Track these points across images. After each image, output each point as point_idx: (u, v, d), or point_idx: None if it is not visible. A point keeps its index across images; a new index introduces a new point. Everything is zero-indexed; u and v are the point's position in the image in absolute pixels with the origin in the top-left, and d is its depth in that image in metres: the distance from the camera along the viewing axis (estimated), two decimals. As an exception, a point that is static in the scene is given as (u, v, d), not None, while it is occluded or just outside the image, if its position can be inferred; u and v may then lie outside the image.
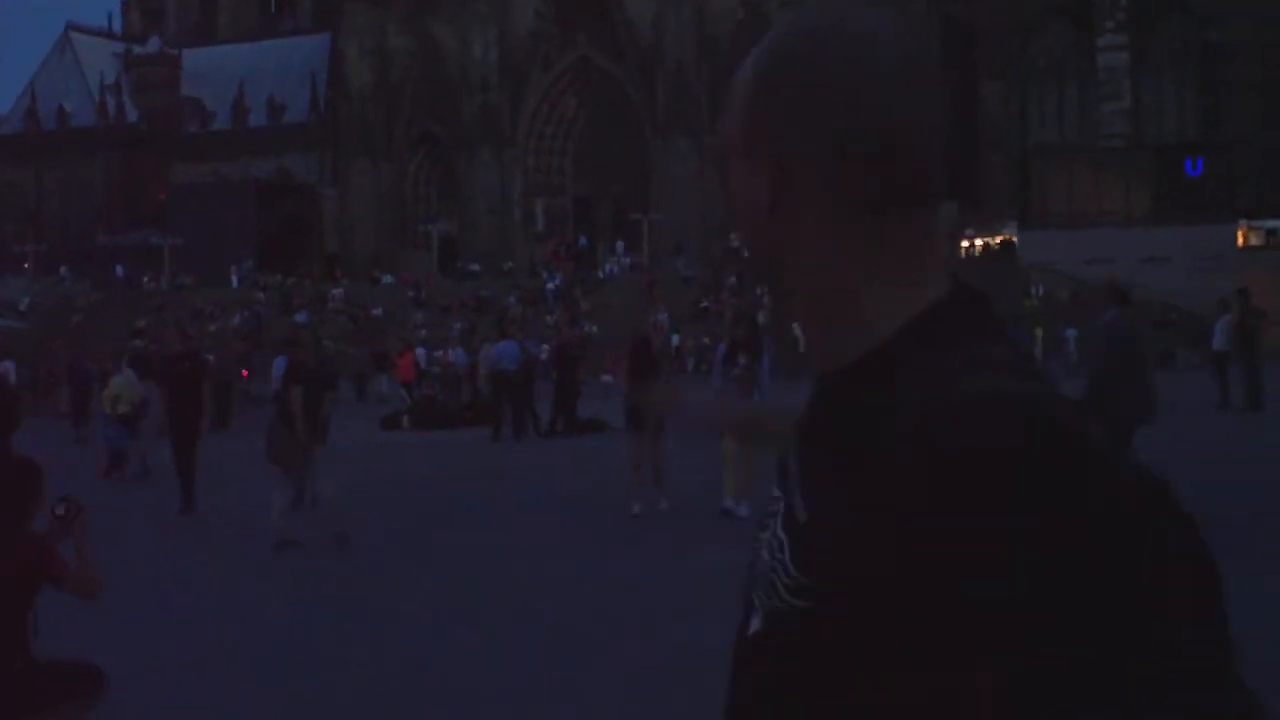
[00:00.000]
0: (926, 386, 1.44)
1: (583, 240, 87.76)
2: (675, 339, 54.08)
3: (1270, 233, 76.56)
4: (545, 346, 48.09)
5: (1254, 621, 9.17)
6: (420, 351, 47.92)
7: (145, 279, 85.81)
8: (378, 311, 74.31)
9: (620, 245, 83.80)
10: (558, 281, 77.30)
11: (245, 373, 44.43)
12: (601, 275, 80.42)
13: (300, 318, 73.87)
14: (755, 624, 1.56)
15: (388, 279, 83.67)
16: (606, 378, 46.70)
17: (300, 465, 15.65)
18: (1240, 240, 72.34)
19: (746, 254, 1.61)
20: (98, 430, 26.75)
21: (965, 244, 78.79)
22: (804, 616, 1.48)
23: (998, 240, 79.36)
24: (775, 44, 1.58)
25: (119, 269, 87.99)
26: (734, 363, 16.36)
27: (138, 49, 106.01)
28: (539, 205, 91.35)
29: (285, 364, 17.48)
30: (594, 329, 67.78)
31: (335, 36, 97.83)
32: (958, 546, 1.35)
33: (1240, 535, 13.30)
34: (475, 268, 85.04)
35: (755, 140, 1.57)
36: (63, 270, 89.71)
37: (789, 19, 1.60)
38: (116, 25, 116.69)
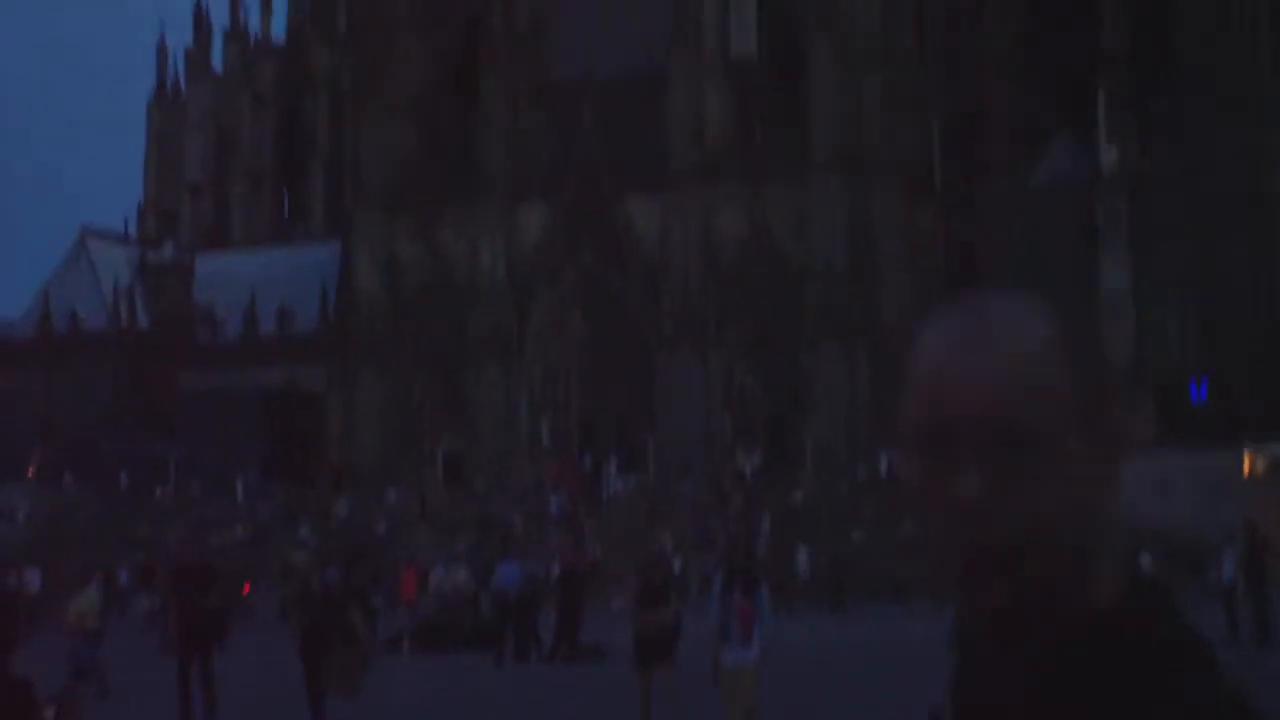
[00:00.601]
0: (1189, 683, 1.52)
1: (586, 458, 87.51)
2: (678, 565, 53.32)
3: (1277, 459, 76.33)
4: (556, 566, 47.59)
5: None
6: (440, 571, 47.12)
7: (157, 490, 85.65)
8: (381, 528, 74.16)
9: (613, 466, 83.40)
10: (562, 501, 77.00)
11: (247, 588, 44.15)
12: (605, 495, 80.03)
13: (302, 531, 74.02)
14: None
15: (392, 495, 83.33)
16: (617, 602, 46.15)
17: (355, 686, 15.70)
18: (1247, 467, 71.98)
19: (1035, 567, 1.59)
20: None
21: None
22: None
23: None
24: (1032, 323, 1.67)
25: (123, 477, 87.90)
26: (732, 593, 16.07)
27: (152, 254, 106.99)
28: (544, 422, 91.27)
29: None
30: (598, 550, 67.33)
31: (346, 244, 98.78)
32: None
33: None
34: (480, 485, 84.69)
35: (1082, 417, 1.62)
36: (66, 478, 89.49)
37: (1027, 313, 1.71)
38: (133, 229, 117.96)
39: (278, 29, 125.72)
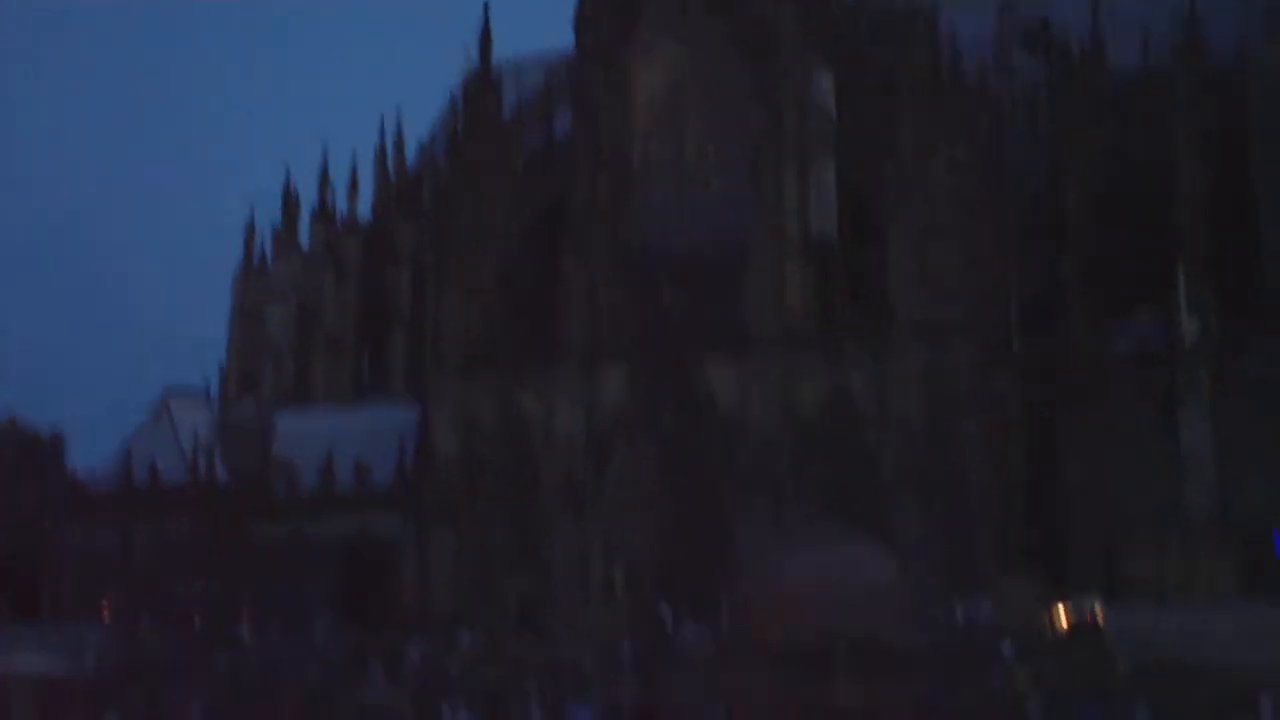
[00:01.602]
0: None
1: (663, 607, 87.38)
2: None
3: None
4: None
5: None
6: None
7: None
8: (455, 673, 73.70)
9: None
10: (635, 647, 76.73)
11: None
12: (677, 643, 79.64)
13: (372, 673, 73.82)
14: None
15: (466, 638, 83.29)
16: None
17: None
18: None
19: None
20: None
21: (1049, 619, 77.85)
22: None
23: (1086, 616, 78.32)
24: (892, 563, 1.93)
25: (197, 622, 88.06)
26: None
27: (232, 411, 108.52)
28: (618, 571, 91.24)
29: None
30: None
31: (424, 404, 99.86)
32: None
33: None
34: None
35: None
36: (141, 621, 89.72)
37: None
38: (213, 391, 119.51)
39: (363, 209, 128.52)
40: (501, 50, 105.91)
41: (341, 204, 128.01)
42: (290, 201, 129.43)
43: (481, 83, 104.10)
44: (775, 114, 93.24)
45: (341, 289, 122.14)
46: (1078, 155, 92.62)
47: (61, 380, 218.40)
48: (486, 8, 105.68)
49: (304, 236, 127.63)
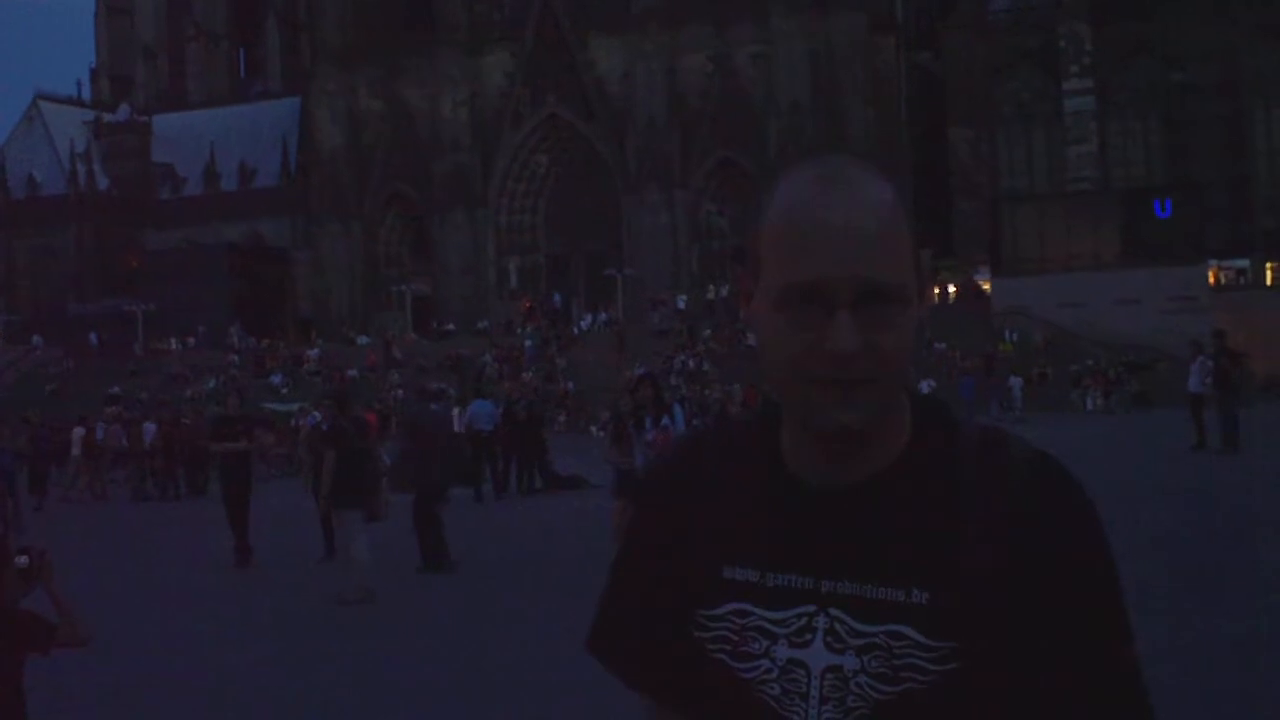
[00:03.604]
0: (1002, 462, 1.85)
1: (556, 297, 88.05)
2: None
3: (1240, 272, 76.97)
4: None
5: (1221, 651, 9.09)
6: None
7: (133, 343, 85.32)
8: (353, 373, 74.17)
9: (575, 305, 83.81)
10: (532, 339, 77.56)
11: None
12: (576, 332, 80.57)
13: (275, 379, 74.16)
14: (867, 717, 1.80)
15: (363, 340, 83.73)
16: (598, 431, 46.38)
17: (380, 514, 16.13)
18: (1211, 280, 72.54)
19: (889, 389, 1.84)
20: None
21: (938, 290, 79.27)
22: (958, 678, 1.77)
23: (971, 286, 79.85)
24: (881, 185, 1.85)
25: (93, 336, 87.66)
26: (644, 426, 15.78)
27: (108, 117, 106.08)
28: (512, 264, 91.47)
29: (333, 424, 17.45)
30: (570, 385, 68.14)
31: (305, 100, 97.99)
32: (1093, 564, 1.81)
33: (1209, 560, 13.39)
34: (451, 327, 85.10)
35: (915, 265, 1.86)
36: (35, 339, 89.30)
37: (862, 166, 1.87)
38: (85, 93, 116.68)
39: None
40: None
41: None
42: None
43: None
44: None
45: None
46: None
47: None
48: None
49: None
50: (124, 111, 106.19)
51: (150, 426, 39.78)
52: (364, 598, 15.14)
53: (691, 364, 68.10)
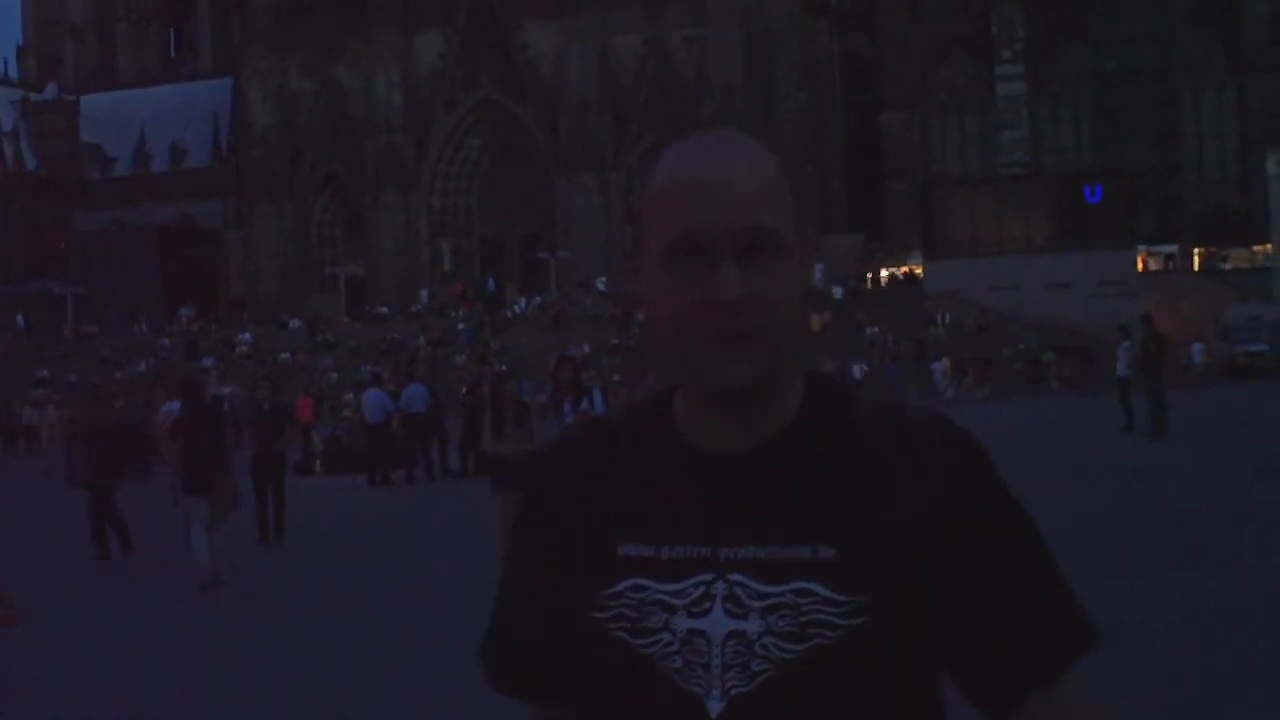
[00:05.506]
0: (898, 424, 1.89)
1: (490, 281, 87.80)
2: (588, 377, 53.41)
3: (1169, 257, 77.66)
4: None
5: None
6: (375, 394, 44.01)
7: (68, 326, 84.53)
8: (285, 356, 73.83)
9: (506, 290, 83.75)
10: (465, 321, 77.34)
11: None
12: (510, 315, 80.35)
13: (206, 362, 73.60)
14: (773, 678, 1.79)
15: (295, 323, 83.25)
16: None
17: (230, 504, 16.17)
18: (1140, 265, 73.19)
19: (777, 343, 1.83)
20: None
21: (870, 274, 79.60)
22: (868, 631, 1.78)
23: (902, 270, 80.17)
24: (761, 150, 1.88)
25: (20, 319, 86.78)
26: (562, 409, 15.70)
27: (35, 96, 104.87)
28: (445, 246, 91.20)
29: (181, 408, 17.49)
30: (503, 368, 67.98)
31: (237, 80, 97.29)
32: (998, 516, 1.85)
33: (1138, 541, 13.52)
34: (384, 310, 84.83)
35: (796, 226, 1.87)
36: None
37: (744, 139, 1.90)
38: (12, 72, 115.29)
39: None
40: None
41: None
42: None
43: None
44: None
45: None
46: None
47: None
48: None
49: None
50: (51, 90, 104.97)
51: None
52: (210, 583, 15.37)
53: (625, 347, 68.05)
